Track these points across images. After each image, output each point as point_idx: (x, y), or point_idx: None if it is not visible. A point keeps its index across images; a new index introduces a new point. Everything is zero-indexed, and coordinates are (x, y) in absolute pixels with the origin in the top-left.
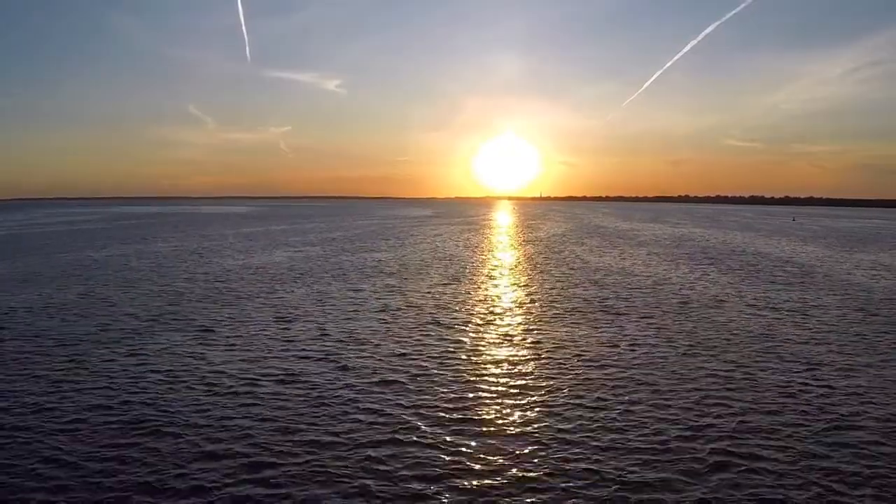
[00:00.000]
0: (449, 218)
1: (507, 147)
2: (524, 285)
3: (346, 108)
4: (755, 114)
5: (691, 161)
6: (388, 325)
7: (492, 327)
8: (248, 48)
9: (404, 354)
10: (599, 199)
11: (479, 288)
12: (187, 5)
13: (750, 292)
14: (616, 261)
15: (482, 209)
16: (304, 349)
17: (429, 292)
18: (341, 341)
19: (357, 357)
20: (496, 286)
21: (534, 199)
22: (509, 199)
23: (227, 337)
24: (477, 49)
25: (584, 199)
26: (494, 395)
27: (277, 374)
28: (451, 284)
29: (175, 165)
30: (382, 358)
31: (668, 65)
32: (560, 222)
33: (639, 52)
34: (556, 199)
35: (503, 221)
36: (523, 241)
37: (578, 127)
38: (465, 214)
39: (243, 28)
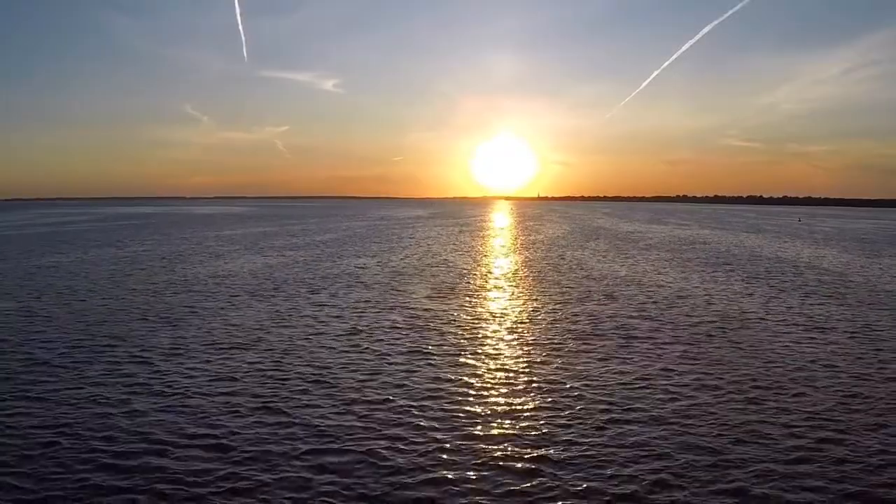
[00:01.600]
0: (444, 219)
1: (504, 147)
2: (524, 300)
3: (343, 108)
4: (753, 113)
5: (689, 161)
6: (355, 356)
7: (486, 359)
8: (245, 48)
9: (369, 401)
10: (597, 198)
11: (472, 305)
12: (184, 5)
13: (785, 306)
14: (626, 268)
15: (479, 209)
16: (240, 391)
17: (412, 309)
18: (290, 380)
19: (306, 407)
20: (492, 302)
21: (531, 199)
22: (506, 199)
23: (143, 376)
24: (474, 49)
25: (582, 198)
26: (489, 464)
27: (196, 435)
28: (439, 299)
29: (172, 165)
30: (339, 405)
31: (666, 64)
32: (559, 223)
33: (636, 51)
34: (553, 199)
35: (500, 222)
36: (522, 244)
37: (576, 127)
38: (462, 215)
39: (240, 28)
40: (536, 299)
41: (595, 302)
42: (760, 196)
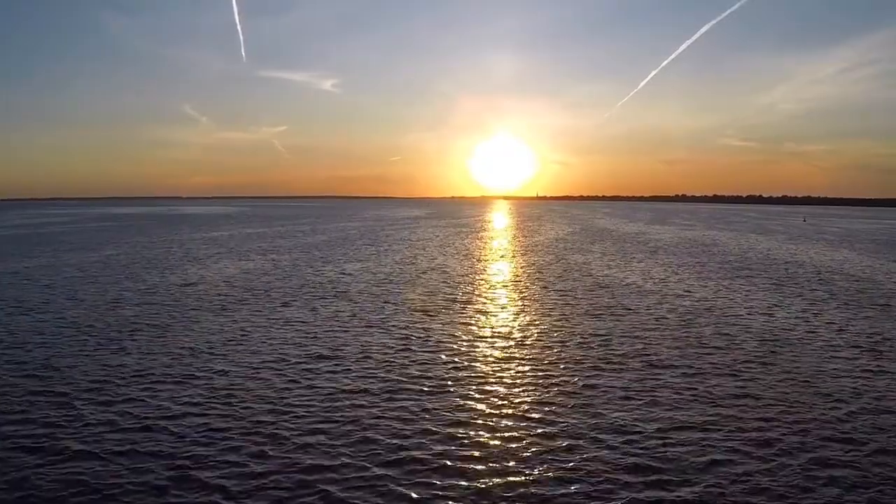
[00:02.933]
0: (441, 219)
1: (502, 147)
2: (529, 316)
3: (341, 108)
4: (751, 113)
5: (687, 161)
6: (308, 398)
7: (484, 397)
8: (243, 48)
9: (332, 450)
10: (595, 198)
11: (467, 322)
12: (182, 5)
13: (826, 321)
14: (638, 275)
15: (477, 209)
16: (151, 448)
17: (396, 328)
18: (218, 431)
19: (231, 477)
20: (490, 319)
21: (529, 198)
22: (505, 198)
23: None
24: (472, 49)
25: (580, 198)
26: None
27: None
28: (429, 315)
29: (170, 165)
30: (280, 464)
31: (664, 64)
32: (560, 224)
33: (634, 51)
34: (551, 198)
35: (499, 223)
36: (522, 248)
37: (574, 127)
38: (459, 215)
39: (238, 28)
40: (543, 315)
41: (611, 317)
42: (759, 196)
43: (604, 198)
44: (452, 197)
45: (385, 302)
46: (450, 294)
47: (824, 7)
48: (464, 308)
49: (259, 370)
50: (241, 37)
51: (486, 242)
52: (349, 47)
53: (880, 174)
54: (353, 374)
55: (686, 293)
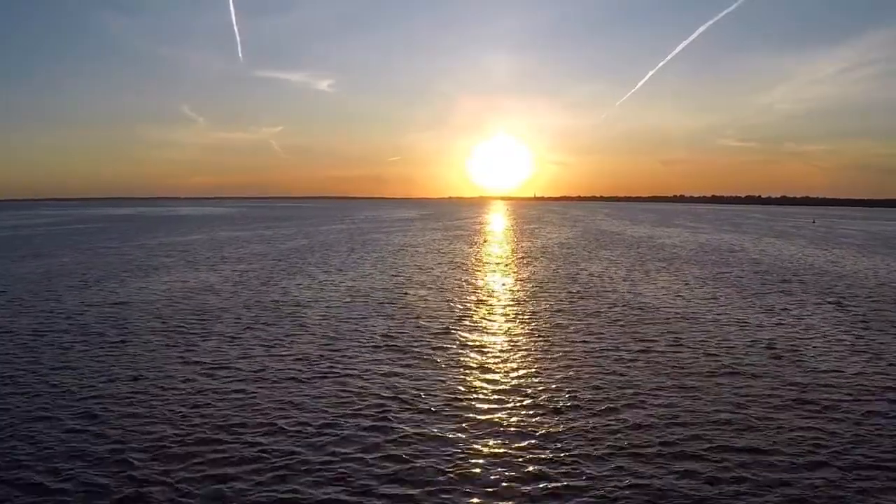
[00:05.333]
0: (437, 221)
1: (500, 147)
2: (542, 355)
3: (338, 108)
4: (750, 113)
5: (685, 161)
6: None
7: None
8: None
9: None
10: (593, 199)
11: (455, 365)
12: (179, 5)
13: None
14: (666, 292)
15: (475, 210)
16: None
17: (356, 373)
18: None
19: None
20: (489, 359)
21: (528, 199)
22: (503, 199)
23: None
24: (470, 49)
25: (579, 198)
26: None
27: None
28: (403, 350)
29: (167, 165)
30: None
31: (661, 64)
32: (561, 226)
33: (632, 51)
34: (549, 199)
35: (497, 225)
36: (523, 255)
37: (572, 127)
38: (456, 216)
39: (235, 28)
40: (561, 351)
41: (657, 349)
42: (759, 196)
43: (602, 198)
44: (450, 197)
45: (350, 330)
46: (434, 318)
47: (824, 7)
48: (450, 341)
49: (154, 430)
50: (238, 37)
51: (480, 249)
52: (347, 47)
53: (880, 174)
54: (256, 448)
55: (733, 319)
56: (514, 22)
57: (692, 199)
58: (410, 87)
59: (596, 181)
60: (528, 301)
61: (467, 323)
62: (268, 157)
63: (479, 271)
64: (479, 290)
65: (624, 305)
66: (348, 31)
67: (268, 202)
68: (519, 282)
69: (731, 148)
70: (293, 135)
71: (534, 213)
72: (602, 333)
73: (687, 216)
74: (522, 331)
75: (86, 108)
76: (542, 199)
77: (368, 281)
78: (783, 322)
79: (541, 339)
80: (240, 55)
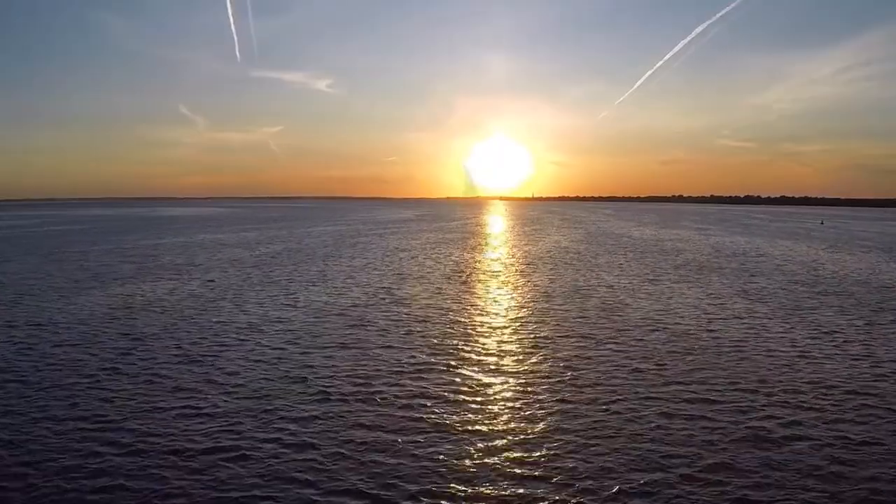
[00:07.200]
0: (432, 222)
1: (498, 147)
2: (547, 398)
3: (336, 109)
4: (747, 113)
5: (683, 161)
6: None
7: None
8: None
9: None
10: (592, 199)
11: (449, 412)
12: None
13: None
14: (689, 311)
15: (472, 210)
16: None
17: (321, 421)
18: None
19: None
20: (493, 406)
21: (526, 199)
22: (501, 199)
23: None
24: (468, 49)
25: (577, 199)
26: None
27: None
28: (382, 397)
29: (166, 165)
30: None
31: (659, 64)
32: (562, 228)
33: (630, 51)
34: (548, 199)
35: (495, 227)
36: (524, 262)
37: (570, 127)
38: (453, 217)
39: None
40: (584, 393)
41: (692, 387)
42: (757, 196)
43: (600, 198)
44: (448, 198)
45: (315, 364)
46: (423, 347)
47: (821, 7)
48: (441, 380)
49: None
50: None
51: (477, 254)
52: (345, 47)
53: (877, 174)
54: None
55: (780, 344)
56: (512, 22)
57: (690, 200)
58: (409, 87)
59: (594, 181)
60: (529, 320)
61: (461, 358)
62: (266, 157)
63: (474, 284)
64: (472, 312)
65: (648, 327)
66: (346, 32)
67: (266, 202)
68: (519, 297)
69: (729, 148)
70: (291, 135)
71: (533, 213)
72: (625, 365)
73: (690, 216)
74: (535, 362)
75: (84, 109)
76: (540, 199)
77: (345, 296)
78: (844, 350)
79: (554, 371)
80: (237, 55)
